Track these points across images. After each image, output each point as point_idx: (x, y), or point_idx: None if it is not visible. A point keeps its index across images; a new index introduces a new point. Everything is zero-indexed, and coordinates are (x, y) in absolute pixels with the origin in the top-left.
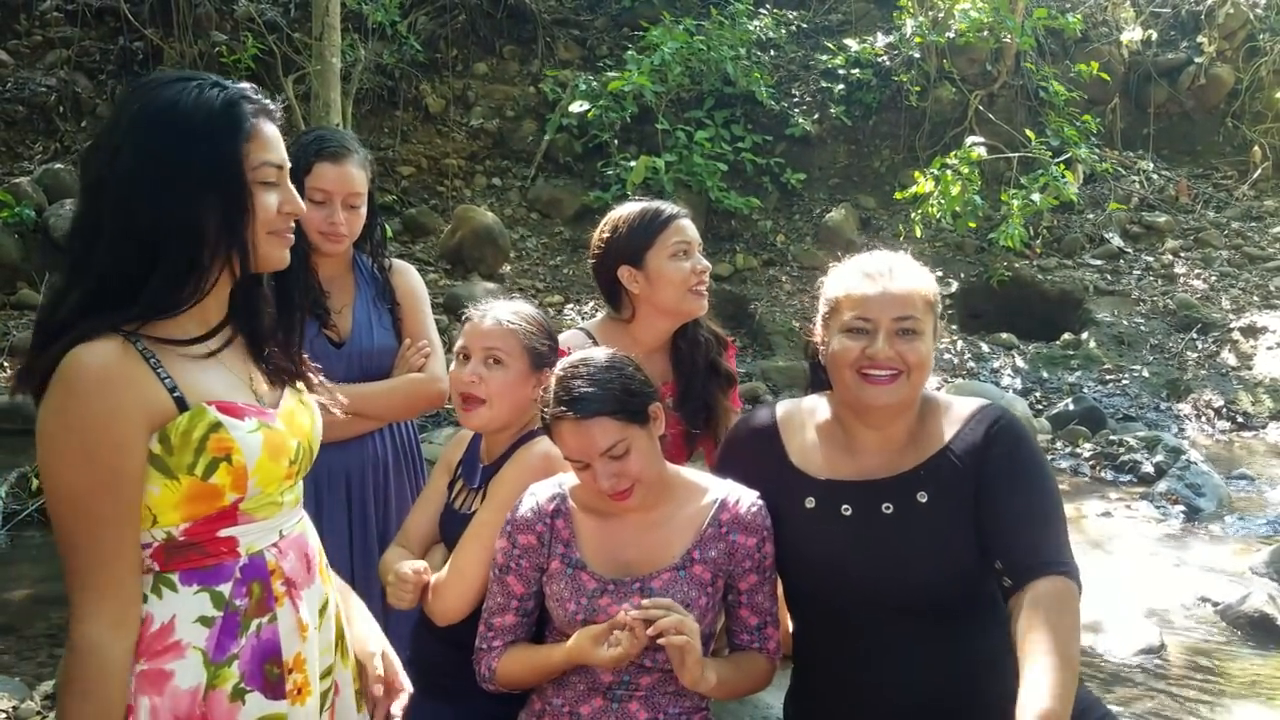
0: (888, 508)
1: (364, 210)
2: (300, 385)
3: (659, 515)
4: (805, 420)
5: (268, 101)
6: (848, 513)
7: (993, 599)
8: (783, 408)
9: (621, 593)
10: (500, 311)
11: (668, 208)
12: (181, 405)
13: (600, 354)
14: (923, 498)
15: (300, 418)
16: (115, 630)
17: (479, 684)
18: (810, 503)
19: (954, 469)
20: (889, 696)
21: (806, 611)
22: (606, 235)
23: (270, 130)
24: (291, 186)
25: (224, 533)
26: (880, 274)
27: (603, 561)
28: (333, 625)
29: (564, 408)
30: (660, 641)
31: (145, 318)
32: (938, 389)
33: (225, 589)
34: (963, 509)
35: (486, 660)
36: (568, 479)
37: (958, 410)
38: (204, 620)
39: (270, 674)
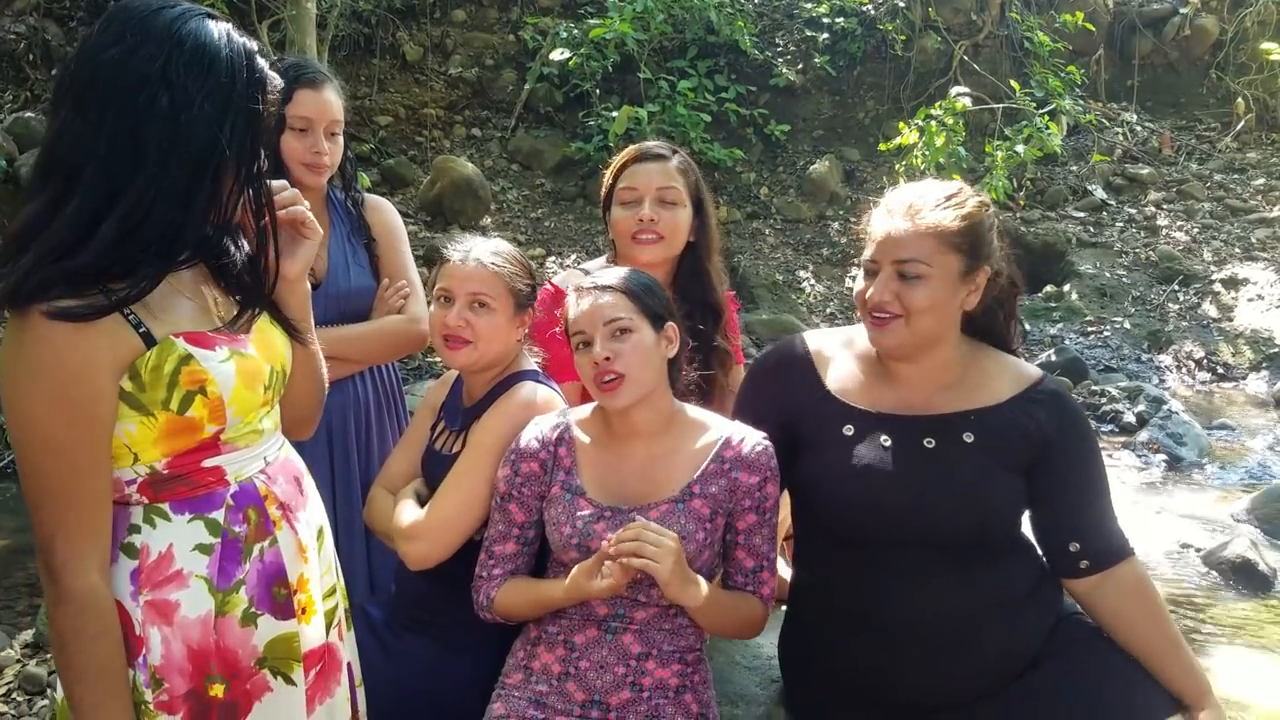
0: (929, 442)
1: (341, 141)
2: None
3: (662, 448)
4: (840, 351)
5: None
6: (886, 444)
7: (1016, 545)
8: (814, 338)
9: (618, 520)
10: (481, 252)
11: (631, 153)
12: (149, 341)
13: (632, 268)
14: (969, 438)
15: (274, 341)
16: (103, 573)
17: (476, 612)
18: (849, 430)
19: (1010, 427)
20: (897, 628)
21: (823, 539)
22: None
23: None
24: None
25: (208, 463)
26: (896, 210)
27: (602, 489)
28: (330, 546)
29: (589, 283)
30: (623, 562)
31: (162, 266)
32: None
33: (219, 515)
34: (1010, 463)
35: (485, 589)
36: (574, 411)
37: (1019, 372)
38: (202, 548)
39: (278, 595)
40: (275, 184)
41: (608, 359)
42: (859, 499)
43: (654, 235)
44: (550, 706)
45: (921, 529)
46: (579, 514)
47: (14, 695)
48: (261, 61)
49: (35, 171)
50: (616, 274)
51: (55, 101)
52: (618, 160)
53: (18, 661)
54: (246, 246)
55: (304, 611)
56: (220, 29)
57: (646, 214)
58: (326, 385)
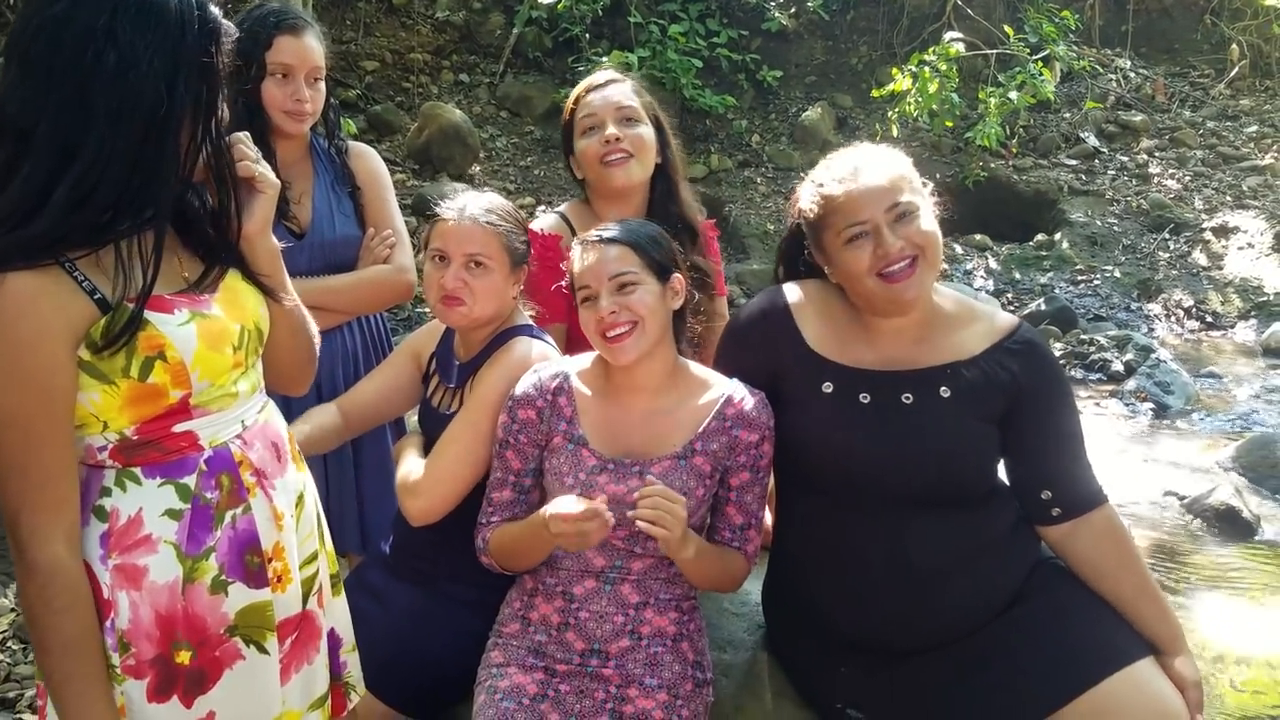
0: (907, 398)
1: (323, 88)
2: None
3: (664, 404)
4: (819, 305)
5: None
6: (865, 400)
7: (992, 492)
8: (793, 292)
9: (621, 473)
10: (475, 210)
11: (583, 84)
12: (104, 307)
13: (638, 220)
14: (945, 392)
15: (244, 300)
16: (70, 545)
17: (477, 556)
18: (828, 387)
19: (985, 379)
20: (877, 574)
21: (805, 494)
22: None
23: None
24: None
25: (179, 428)
26: (852, 173)
27: (604, 442)
28: (313, 513)
29: (593, 236)
30: (640, 525)
31: (114, 225)
32: None
33: (190, 480)
34: (986, 414)
35: (483, 534)
36: (573, 361)
37: (990, 322)
38: (172, 513)
39: (251, 563)
40: (232, 137)
41: (613, 313)
42: (840, 455)
43: (623, 153)
44: (550, 655)
45: (900, 483)
46: (583, 465)
47: (9, 644)
48: (215, 11)
49: None
50: (624, 227)
51: (5, 59)
52: (572, 95)
53: (12, 610)
54: (211, 202)
55: (279, 580)
56: None
57: (611, 132)
58: (317, 340)
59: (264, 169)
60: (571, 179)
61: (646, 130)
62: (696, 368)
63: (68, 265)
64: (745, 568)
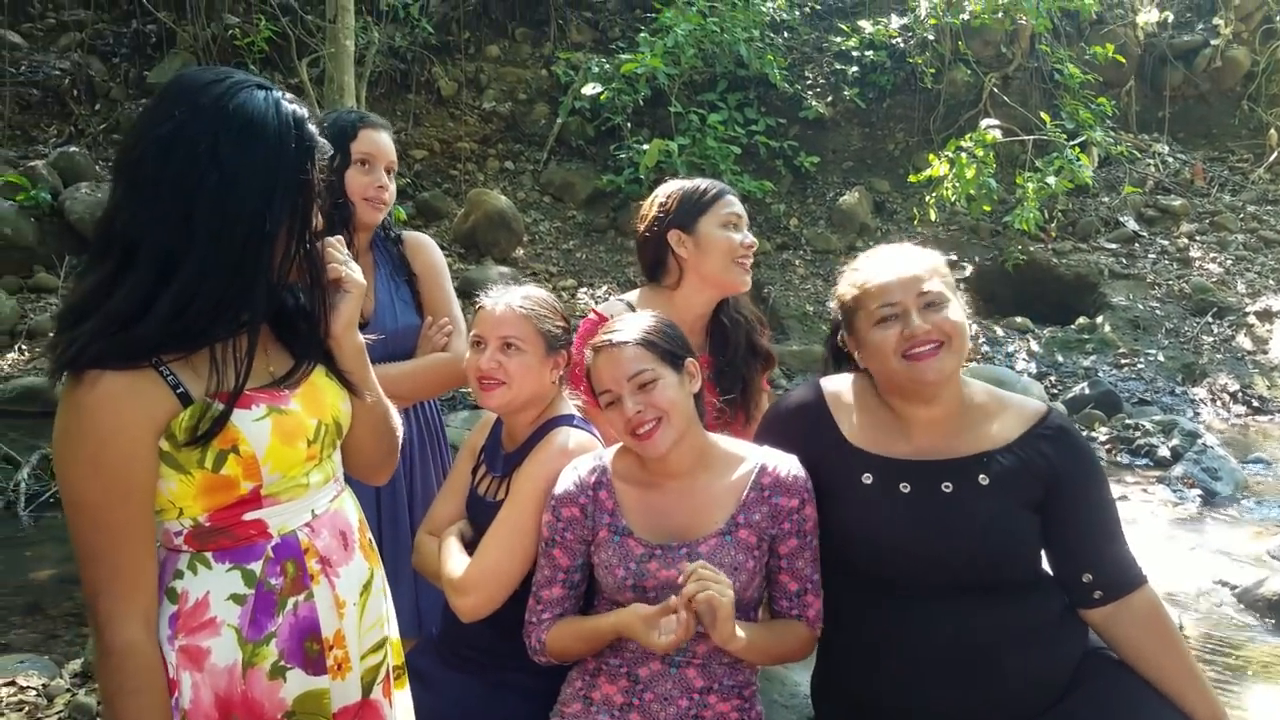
0: (947, 486)
1: (394, 184)
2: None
3: (700, 483)
4: (854, 398)
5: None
6: (906, 490)
7: (1038, 579)
8: (829, 385)
9: (669, 557)
10: (511, 297)
11: (720, 184)
12: (186, 400)
13: (642, 313)
14: (984, 480)
15: (324, 395)
16: (147, 628)
17: (529, 655)
18: (868, 479)
19: (1021, 467)
20: (925, 663)
21: (851, 583)
22: (660, 203)
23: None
24: None
25: (249, 516)
26: (889, 261)
27: (649, 528)
28: (382, 601)
29: (603, 340)
30: (692, 602)
31: (210, 331)
32: None
33: (256, 567)
34: (1025, 501)
35: (536, 633)
36: (607, 452)
37: (1021, 410)
38: (236, 598)
39: (310, 650)
40: (325, 240)
41: (639, 412)
42: (883, 546)
43: (751, 261)
44: None
45: (945, 570)
46: (631, 555)
47: None
48: (311, 128)
49: (95, 243)
50: (630, 324)
51: (114, 175)
52: (702, 186)
53: (67, 691)
54: (303, 300)
55: (339, 668)
56: (269, 100)
57: (749, 240)
58: (400, 434)
59: (351, 270)
60: (614, 263)
61: None
62: (726, 441)
63: (159, 366)
64: (808, 634)
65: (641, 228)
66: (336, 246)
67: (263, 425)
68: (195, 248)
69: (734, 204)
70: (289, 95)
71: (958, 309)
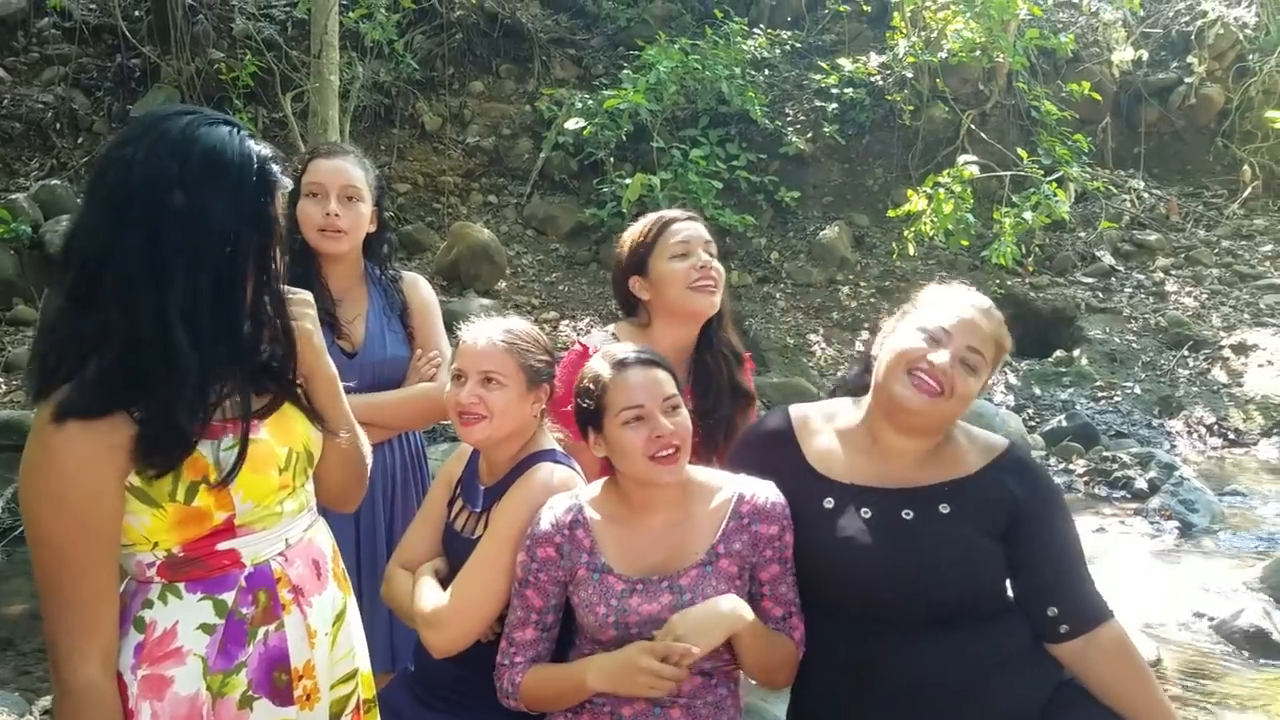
0: (908, 514)
1: (366, 210)
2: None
3: (680, 514)
4: (822, 424)
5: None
6: (867, 515)
7: (1003, 609)
8: (797, 411)
9: (650, 591)
10: (493, 330)
11: (668, 214)
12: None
13: (641, 345)
14: (944, 509)
15: (294, 424)
16: (105, 667)
17: (499, 699)
18: (829, 503)
19: (982, 497)
20: (894, 691)
21: (818, 612)
22: (621, 251)
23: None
24: None
25: (223, 546)
26: (978, 307)
27: (628, 563)
28: (353, 631)
29: (627, 358)
30: (685, 651)
31: (184, 388)
32: None
33: (228, 597)
34: (985, 532)
35: (509, 675)
36: (584, 490)
37: (985, 443)
38: (205, 628)
39: (278, 680)
40: (291, 291)
41: (672, 434)
42: (841, 571)
43: (712, 281)
44: None
45: (904, 598)
46: (611, 591)
47: None
48: (273, 167)
49: (61, 268)
50: (651, 351)
51: (85, 199)
52: (654, 221)
53: None
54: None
55: (307, 698)
56: (230, 134)
57: (706, 260)
58: (369, 464)
59: (305, 324)
60: (597, 295)
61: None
62: (701, 472)
63: (134, 411)
64: (795, 654)
65: (614, 275)
66: (305, 302)
67: (231, 455)
68: (161, 276)
69: (680, 230)
70: (253, 136)
71: (981, 383)
